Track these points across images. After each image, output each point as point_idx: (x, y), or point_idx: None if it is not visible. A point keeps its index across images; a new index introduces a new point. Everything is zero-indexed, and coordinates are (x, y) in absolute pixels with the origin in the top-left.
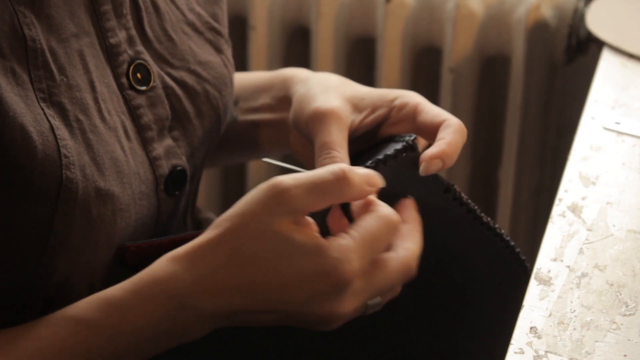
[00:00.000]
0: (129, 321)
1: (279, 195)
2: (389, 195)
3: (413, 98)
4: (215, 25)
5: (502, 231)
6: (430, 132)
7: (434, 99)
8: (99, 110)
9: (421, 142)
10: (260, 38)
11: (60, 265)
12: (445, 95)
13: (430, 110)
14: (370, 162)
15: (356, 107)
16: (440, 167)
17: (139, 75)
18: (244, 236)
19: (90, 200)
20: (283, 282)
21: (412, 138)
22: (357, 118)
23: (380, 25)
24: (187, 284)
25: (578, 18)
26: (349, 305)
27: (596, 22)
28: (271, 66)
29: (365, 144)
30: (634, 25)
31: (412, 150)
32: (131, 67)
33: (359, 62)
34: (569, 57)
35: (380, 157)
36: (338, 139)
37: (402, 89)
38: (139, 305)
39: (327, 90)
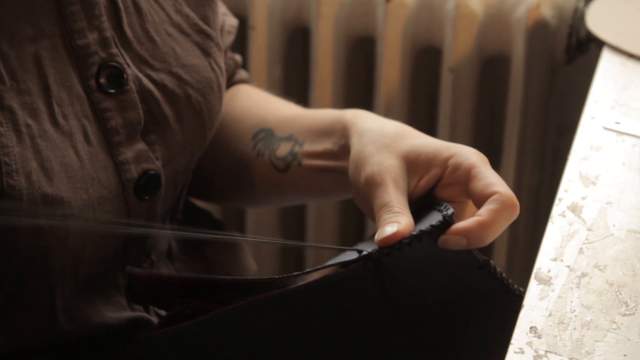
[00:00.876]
0: None
1: None
2: (422, 270)
3: (468, 159)
4: (205, 27)
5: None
6: (479, 202)
7: (433, 98)
8: (52, 115)
9: (472, 209)
10: (260, 38)
11: (9, 270)
12: (445, 95)
13: (483, 178)
14: (406, 239)
15: (411, 164)
16: (464, 245)
17: (109, 78)
18: None
19: (37, 206)
20: None
21: (449, 214)
22: (413, 180)
23: (380, 25)
24: None
25: (578, 18)
26: None
27: (596, 22)
28: (271, 66)
29: (421, 204)
30: (634, 25)
31: (448, 227)
32: (102, 70)
33: (359, 62)
34: (569, 57)
35: (415, 233)
36: (398, 198)
37: (460, 144)
38: None
39: (382, 149)
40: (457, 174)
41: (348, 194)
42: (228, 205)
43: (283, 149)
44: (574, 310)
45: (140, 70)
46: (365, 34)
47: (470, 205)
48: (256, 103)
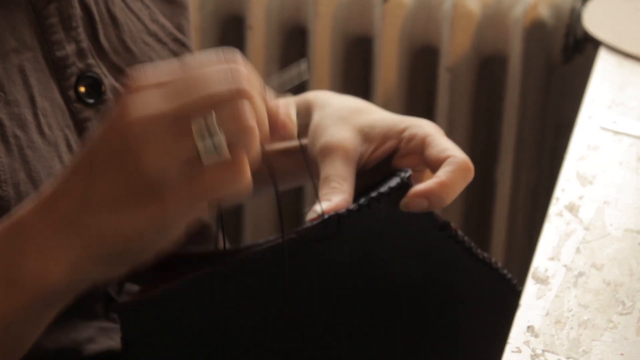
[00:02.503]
0: None
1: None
2: (382, 234)
3: (423, 129)
4: (180, 36)
5: (499, 265)
6: (435, 168)
7: (431, 98)
8: (38, 125)
9: (430, 177)
10: (257, 38)
11: None
12: (443, 95)
13: (437, 145)
14: (363, 200)
15: (367, 136)
16: (426, 207)
17: (88, 88)
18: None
19: None
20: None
21: (407, 175)
22: (367, 150)
23: (377, 24)
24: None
25: (575, 17)
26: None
27: (593, 22)
28: (269, 66)
29: (377, 176)
30: (631, 25)
31: (406, 188)
32: (80, 81)
33: (357, 62)
34: (566, 57)
35: (373, 195)
36: (342, 172)
37: (416, 118)
38: None
39: (338, 122)
40: (413, 143)
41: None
42: None
43: None
44: (571, 310)
45: (118, 80)
46: (362, 34)
47: (428, 173)
48: None
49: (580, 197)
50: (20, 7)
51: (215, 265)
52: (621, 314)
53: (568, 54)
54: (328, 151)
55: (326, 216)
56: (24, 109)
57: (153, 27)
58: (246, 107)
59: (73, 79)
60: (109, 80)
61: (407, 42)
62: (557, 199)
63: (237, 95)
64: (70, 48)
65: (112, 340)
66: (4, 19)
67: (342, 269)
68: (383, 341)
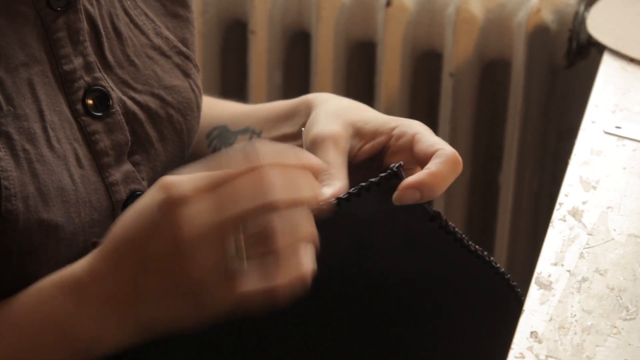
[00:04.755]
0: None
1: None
2: (372, 225)
3: (412, 127)
4: (184, 49)
5: (492, 258)
6: (425, 162)
7: (434, 103)
8: (48, 139)
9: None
10: (260, 42)
11: None
12: (446, 100)
13: (427, 140)
14: (353, 189)
15: (358, 131)
16: (418, 198)
17: (95, 101)
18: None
19: (32, 231)
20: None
21: (397, 165)
22: (357, 144)
23: (380, 29)
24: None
25: (578, 22)
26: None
27: (597, 26)
28: (271, 70)
29: (368, 174)
30: (634, 29)
31: (396, 178)
32: (88, 94)
33: (359, 67)
34: (570, 61)
35: (364, 184)
36: (336, 160)
37: (406, 118)
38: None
39: (331, 115)
40: (402, 140)
41: None
42: None
43: (240, 142)
44: (575, 315)
45: (124, 93)
46: (365, 39)
47: (418, 170)
48: (207, 105)
49: (584, 202)
50: (29, 21)
51: None
52: (625, 320)
53: (571, 59)
54: (319, 141)
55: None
56: (33, 123)
57: (157, 40)
58: (276, 223)
59: (81, 93)
60: (115, 93)
61: (410, 46)
62: (561, 204)
63: (265, 209)
64: (77, 62)
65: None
66: (13, 32)
67: (332, 257)
68: (374, 329)
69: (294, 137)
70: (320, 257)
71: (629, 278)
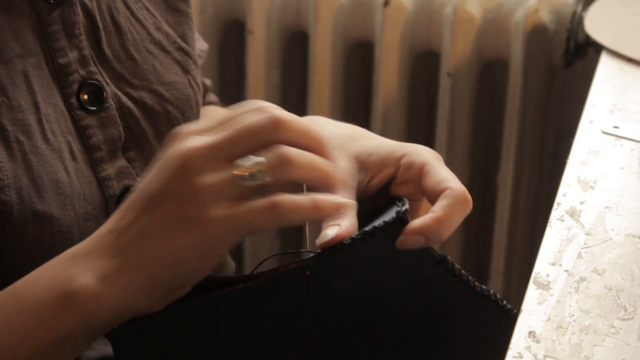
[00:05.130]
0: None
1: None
2: (377, 266)
3: (420, 157)
4: (184, 45)
5: (498, 296)
6: (432, 198)
7: (432, 103)
8: (43, 131)
9: (427, 205)
10: (258, 42)
11: None
12: (444, 100)
13: (435, 175)
14: (357, 234)
15: (363, 164)
16: (422, 243)
17: (90, 95)
18: None
19: (27, 223)
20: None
21: (402, 210)
22: (365, 178)
23: (378, 29)
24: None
25: (576, 22)
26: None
27: (594, 26)
28: (269, 71)
29: (374, 202)
30: (632, 29)
31: (401, 223)
32: (83, 88)
33: (357, 67)
34: (568, 61)
35: (368, 229)
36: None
37: (413, 144)
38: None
39: (334, 150)
40: (410, 172)
41: None
42: None
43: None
44: (573, 315)
45: (119, 88)
46: (363, 39)
47: (425, 203)
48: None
49: (582, 202)
50: (24, 14)
51: (211, 293)
52: (623, 320)
53: (569, 59)
54: None
55: (316, 251)
56: (28, 115)
57: (158, 35)
58: (281, 135)
59: (75, 86)
60: (110, 88)
61: (407, 46)
62: (559, 204)
63: (272, 123)
64: (72, 55)
65: (109, 347)
66: (8, 24)
67: (336, 300)
68: None
69: None
70: (324, 299)
71: (626, 278)
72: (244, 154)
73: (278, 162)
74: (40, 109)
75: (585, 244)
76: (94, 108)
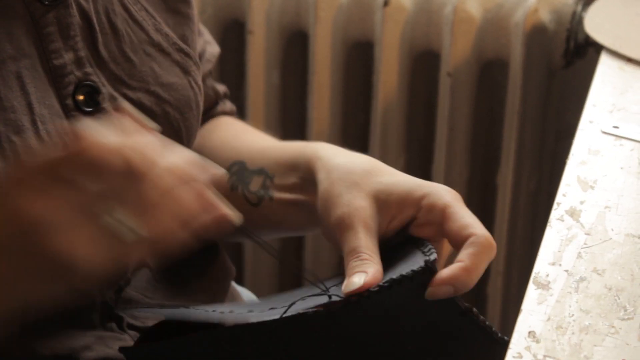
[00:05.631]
0: None
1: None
2: (399, 314)
3: (442, 199)
4: (184, 46)
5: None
6: (456, 243)
7: (432, 103)
8: (37, 132)
9: (447, 246)
10: (258, 42)
11: None
12: (443, 100)
13: (458, 219)
14: (384, 281)
15: (383, 204)
16: (452, 293)
17: (86, 96)
18: None
19: None
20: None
21: (431, 260)
22: (385, 220)
23: (378, 29)
24: None
25: (576, 22)
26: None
27: (594, 26)
28: (269, 70)
29: (394, 241)
30: (632, 29)
31: (430, 273)
32: (78, 89)
33: (357, 66)
34: (567, 61)
35: (395, 277)
36: (368, 244)
37: (432, 182)
38: None
39: (351, 188)
40: (432, 214)
41: (319, 229)
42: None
43: (255, 183)
44: (573, 315)
45: (116, 90)
46: (363, 39)
47: (446, 244)
48: (233, 135)
49: (582, 202)
50: (18, 15)
51: (234, 326)
52: (623, 319)
53: (569, 59)
54: (348, 222)
55: (338, 296)
56: (21, 116)
57: (157, 37)
58: (144, 190)
59: (71, 88)
60: (107, 89)
61: (407, 46)
62: (558, 204)
63: (132, 178)
64: (68, 57)
65: (108, 348)
66: (0, 26)
67: (356, 342)
68: None
69: (302, 190)
70: (343, 339)
71: (626, 278)
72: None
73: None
74: (35, 110)
75: (585, 243)
76: (90, 109)
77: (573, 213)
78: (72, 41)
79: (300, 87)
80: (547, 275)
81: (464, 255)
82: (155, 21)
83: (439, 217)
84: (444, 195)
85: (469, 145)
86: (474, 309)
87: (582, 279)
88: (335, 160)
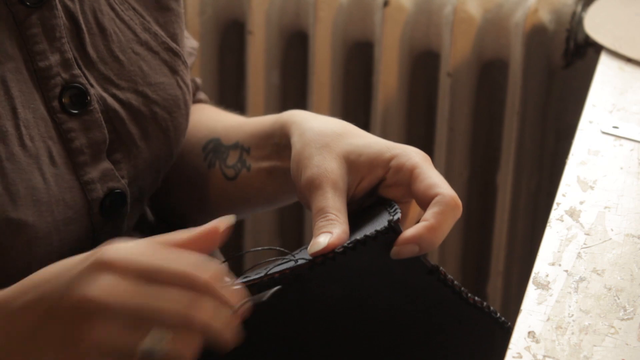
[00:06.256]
0: None
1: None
2: (368, 275)
3: (410, 160)
4: (173, 45)
5: (492, 309)
6: (422, 203)
7: (431, 103)
8: (20, 137)
9: (416, 208)
10: (258, 43)
11: None
12: (443, 100)
13: (425, 179)
14: (349, 242)
15: (352, 165)
16: (416, 252)
17: (73, 98)
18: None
19: (0, 231)
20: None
21: (394, 219)
22: (354, 180)
23: (377, 29)
24: None
25: (576, 22)
26: (102, 293)
27: (594, 26)
28: (269, 71)
29: (363, 201)
30: (631, 29)
31: (393, 232)
32: (65, 91)
33: (357, 67)
34: (567, 61)
35: (360, 238)
36: (335, 204)
37: (402, 145)
38: None
39: (322, 149)
40: (400, 175)
41: (295, 197)
42: (183, 219)
43: (232, 158)
44: (572, 315)
45: (105, 90)
46: (363, 39)
47: (414, 205)
48: (207, 116)
49: (581, 202)
50: (1, 18)
51: None
52: (622, 320)
53: (569, 59)
54: (317, 183)
55: (304, 259)
56: (5, 121)
57: (145, 36)
58: (191, 338)
59: (57, 90)
60: (95, 90)
61: (407, 46)
62: (558, 204)
63: (187, 323)
64: (54, 58)
65: None
66: None
67: (327, 309)
68: None
69: (279, 156)
70: (312, 306)
71: (626, 278)
72: (150, 328)
73: (182, 341)
74: (19, 114)
75: (584, 244)
76: (76, 111)
77: (573, 213)
78: (58, 43)
79: (300, 87)
80: (547, 276)
81: (429, 215)
82: (143, 20)
83: (407, 177)
84: (413, 156)
85: (469, 145)
86: (441, 268)
87: (581, 279)
88: (308, 123)
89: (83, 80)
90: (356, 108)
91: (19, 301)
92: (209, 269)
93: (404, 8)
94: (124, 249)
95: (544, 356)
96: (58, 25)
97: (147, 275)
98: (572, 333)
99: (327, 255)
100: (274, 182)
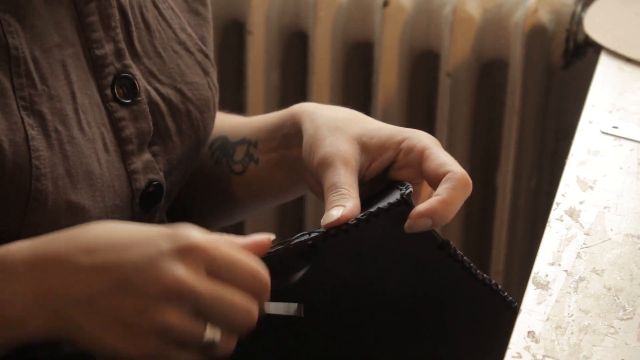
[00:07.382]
0: None
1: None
2: (380, 250)
3: (421, 141)
4: (204, 48)
5: (499, 287)
6: (434, 182)
7: (431, 103)
8: (79, 122)
9: (427, 189)
10: (257, 43)
11: None
12: (443, 100)
13: (436, 158)
14: (362, 215)
15: (364, 146)
16: (430, 226)
17: (123, 88)
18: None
19: (60, 212)
20: (120, 242)
21: (406, 192)
22: (366, 161)
23: (377, 29)
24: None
25: (576, 22)
26: (183, 276)
27: (594, 26)
28: (269, 71)
29: (375, 186)
30: (631, 29)
31: (406, 205)
32: (117, 80)
33: (357, 67)
34: (567, 61)
35: (373, 210)
36: (347, 180)
37: (412, 129)
38: None
39: (335, 132)
40: (411, 156)
41: (303, 188)
42: (192, 219)
43: (239, 153)
44: (572, 315)
45: (149, 84)
46: (362, 39)
47: (426, 186)
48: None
49: (581, 202)
50: (63, 4)
51: None
52: (622, 319)
53: (568, 59)
54: (330, 161)
55: (317, 232)
56: (66, 104)
57: (182, 36)
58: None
59: (110, 78)
60: (142, 83)
61: (407, 46)
62: (558, 204)
63: (245, 323)
64: (109, 47)
65: None
66: (48, 13)
67: (340, 284)
68: (378, 351)
69: (287, 146)
70: (327, 281)
71: (626, 278)
72: (212, 321)
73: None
74: (77, 99)
75: (584, 244)
76: (128, 101)
77: (572, 213)
78: (112, 32)
79: (300, 87)
80: (547, 275)
81: (441, 190)
82: (180, 20)
83: (417, 158)
84: (423, 138)
85: (468, 145)
86: (452, 242)
87: (581, 279)
88: (320, 111)
89: (133, 70)
90: (356, 108)
91: (86, 259)
92: (266, 274)
93: (404, 8)
94: (206, 236)
95: (544, 356)
96: (113, 15)
97: (226, 268)
98: (572, 333)
99: (340, 227)
100: (283, 173)
